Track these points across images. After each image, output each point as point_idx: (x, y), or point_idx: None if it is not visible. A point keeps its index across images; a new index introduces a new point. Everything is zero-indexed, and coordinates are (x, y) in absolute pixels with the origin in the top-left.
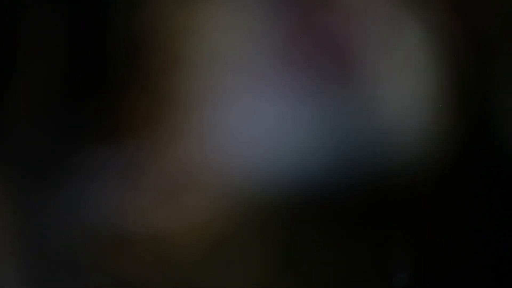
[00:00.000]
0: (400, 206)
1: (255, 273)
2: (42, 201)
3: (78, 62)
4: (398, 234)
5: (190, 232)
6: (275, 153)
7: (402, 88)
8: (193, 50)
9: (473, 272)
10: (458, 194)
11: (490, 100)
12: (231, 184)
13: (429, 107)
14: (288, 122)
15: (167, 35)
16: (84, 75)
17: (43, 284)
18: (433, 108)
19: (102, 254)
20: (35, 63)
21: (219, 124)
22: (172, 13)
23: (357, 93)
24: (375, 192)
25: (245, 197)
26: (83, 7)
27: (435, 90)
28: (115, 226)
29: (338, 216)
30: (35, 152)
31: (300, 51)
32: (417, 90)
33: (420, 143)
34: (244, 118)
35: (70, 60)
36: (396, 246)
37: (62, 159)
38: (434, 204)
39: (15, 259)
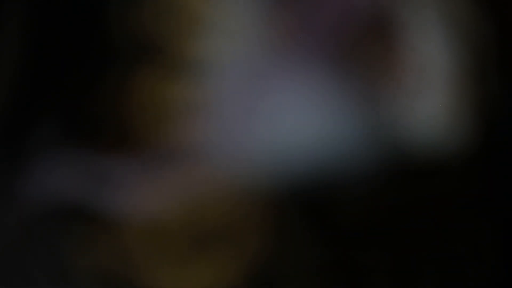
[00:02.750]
0: (422, 200)
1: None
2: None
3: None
4: (418, 229)
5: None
6: (301, 146)
7: (427, 85)
8: (199, 54)
9: (493, 266)
10: (478, 191)
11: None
12: (251, 178)
13: (452, 103)
14: (314, 114)
15: (168, 39)
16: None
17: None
18: (456, 104)
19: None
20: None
21: (242, 120)
22: (175, 11)
23: (383, 88)
24: (398, 184)
25: (269, 193)
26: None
27: (458, 87)
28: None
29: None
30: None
31: (326, 46)
32: (441, 87)
33: (443, 138)
34: (268, 112)
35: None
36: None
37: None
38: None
39: None
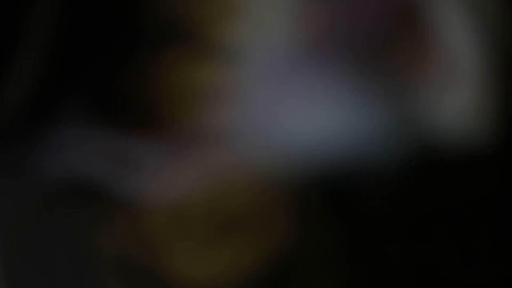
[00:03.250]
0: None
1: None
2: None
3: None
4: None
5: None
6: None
7: (456, 80)
8: (229, 40)
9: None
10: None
11: None
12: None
13: (480, 99)
14: (341, 106)
15: (199, 23)
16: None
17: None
18: (483, 100)
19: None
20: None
21: (264, 115)
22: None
23: (405, 91)
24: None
25: (293, 182)
26: None
27: (486, 83)
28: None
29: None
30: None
31: (350, 50)
32: (470, 83)
33: (470, 134)
34: (291, 109)
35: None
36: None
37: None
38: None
39: None
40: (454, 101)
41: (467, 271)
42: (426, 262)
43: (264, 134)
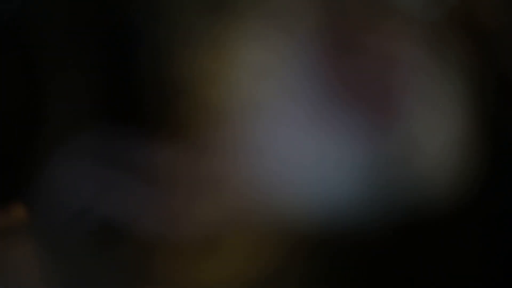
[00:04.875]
0: (430, 241)
1: None
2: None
3: (109, 101)
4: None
5: (209, 243)
6: (311, 184)
7: (434, 127)
8: (224, 94)
9: None
10: (482, 229)
11: None
12: (263, 209)
13: (457, 145)
14: (327, 156)
15: (196, 80)
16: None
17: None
18: (461, 145)
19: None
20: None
21: (259, 153)
22: (201, 58)
23: (392, 131)
24: (405, 226)
25: (274, 222)
26: (112, 51)
27: (463, 128)
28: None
29: (369, 249)
30: None
31: (344, 93)
32: (447, 129)
33: (449, 179)
34: (286, 150)
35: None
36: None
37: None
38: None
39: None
40: (436, 153)
41: None
42: None
43: (262, 180)
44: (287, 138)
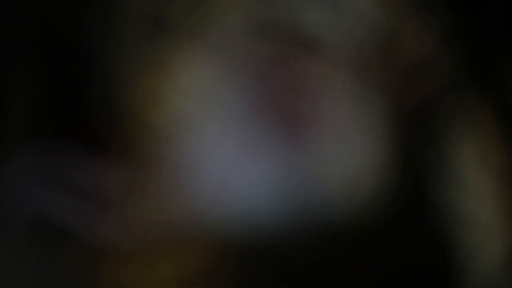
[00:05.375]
0: (343, 254)
1: None
2: None
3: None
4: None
5: (141, 249)
6: (236, 198)
7: (351, 151)
8: (162, 112)
9: None
10: (396, 247)
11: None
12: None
13: (371, 168)
14: (251, 173)
15: (137, 100)
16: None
17: None
18: (375, 169)
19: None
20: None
21: (191, 174)
22: (143, 80)
23: (310, 152)
24: (318, 237)
25: (201, 229)
26: (64, 75)
27: (378, 154)
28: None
29: (285, 256)
30: None
31: (269, 115)
32: (363, 153)
33: (364, 197)
34: (215, 167)
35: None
36: None
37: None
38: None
39: None
40: (350, 174)
41: None
42: None
43: (196, 193)
44: (216, 156)
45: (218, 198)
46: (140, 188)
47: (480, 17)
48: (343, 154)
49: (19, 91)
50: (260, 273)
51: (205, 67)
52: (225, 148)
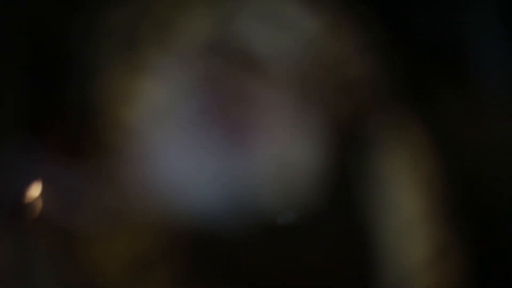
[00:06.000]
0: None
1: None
2: None
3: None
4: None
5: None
6: (186, 190)
7: (288, 153)
8: (133, 111)
9: None
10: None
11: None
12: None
13: (307, 170)
14: (200, 169)
15: (109, 101)
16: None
17: None
18: (311, 170)
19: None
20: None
21: (150, 167)
22: (116, 81)
23: (252, 153)
24: (260, 229)
25: (162, 221)
26: (45, 74)
27: (313, 158)
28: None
29: (231, 247)
30: None
31: (218, 121)
32: (299, 156)
33: (298, 195)
34: (169, 163)
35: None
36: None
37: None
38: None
39: None
40: (287, 171)
41: None
42: None
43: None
44: (171, 153)
45: (171, 190)
46: (106, 178)
47: (415, 36)
48: (281, 156)
49: (6, 88)
50: (203, 256)
51: (167, 77)
52: (179, 147)
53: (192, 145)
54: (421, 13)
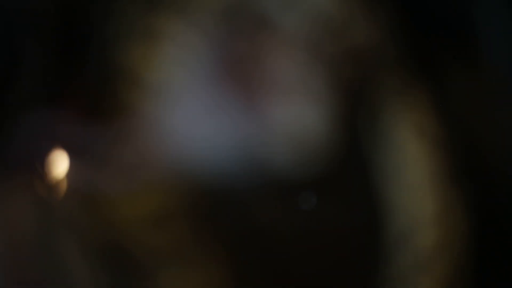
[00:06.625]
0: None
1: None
2: None
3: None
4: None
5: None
6: (202, 148)
7: (298, 112)
8: (151, 75)
9: None
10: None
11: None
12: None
13: (316, 130)
14: (213, 127)
15: (131, 62)
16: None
17: None
18: (320, 130)
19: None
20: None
21: (166, 125)
22: (137, 47)
23: (263, 112)
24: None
25: (178, 179)
26: (67, 43)
27: (323, 118)
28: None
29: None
30: None
31: (233, 83)
32: (308, 116)
33: (307, 153)
34: (186, 123)
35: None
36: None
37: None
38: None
39: None
40: (297, 130)
41: None
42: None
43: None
44: (186, 112)
45: (185, 148)
46: (127, 138)
47: (422, 11)
48: (291, 115)
49: (28, 58)
50: (215, 211)
51: (185, 41)
52: (195, 107)
53: (208, 106)
54: None
